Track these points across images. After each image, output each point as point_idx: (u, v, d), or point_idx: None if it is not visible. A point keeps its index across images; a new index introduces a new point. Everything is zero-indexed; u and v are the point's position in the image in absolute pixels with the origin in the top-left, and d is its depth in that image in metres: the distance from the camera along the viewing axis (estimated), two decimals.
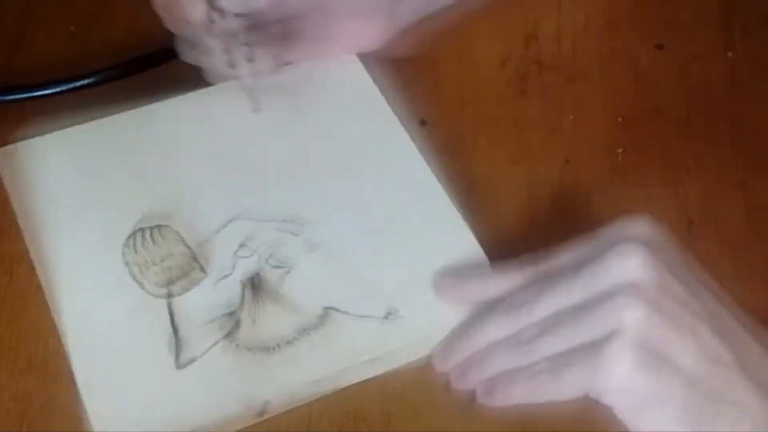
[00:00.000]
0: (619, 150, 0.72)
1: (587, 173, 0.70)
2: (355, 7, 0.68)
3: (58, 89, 0.73)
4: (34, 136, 0.68)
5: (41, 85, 0.73)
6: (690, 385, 0.53)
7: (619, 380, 0.53)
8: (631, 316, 0.54)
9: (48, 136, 0.68)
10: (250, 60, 0.64)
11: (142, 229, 0.64)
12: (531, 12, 0.79)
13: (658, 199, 0.69)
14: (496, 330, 0.58)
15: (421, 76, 0.74)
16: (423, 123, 0.72)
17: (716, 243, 0.67)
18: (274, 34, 0.67)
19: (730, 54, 0.77)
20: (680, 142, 0.72)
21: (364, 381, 0.61)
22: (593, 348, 0.54)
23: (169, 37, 0.71)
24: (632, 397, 0.53)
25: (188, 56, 0.68)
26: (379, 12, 0.70)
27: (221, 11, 0.62)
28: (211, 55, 0.65)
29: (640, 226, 0.57)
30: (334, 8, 0.68)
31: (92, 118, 0.70)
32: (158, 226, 0.64)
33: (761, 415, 0.53)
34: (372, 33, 0.70)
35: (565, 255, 0.58)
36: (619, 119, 0.73)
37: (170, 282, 0.63)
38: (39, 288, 0.66)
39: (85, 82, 0.73)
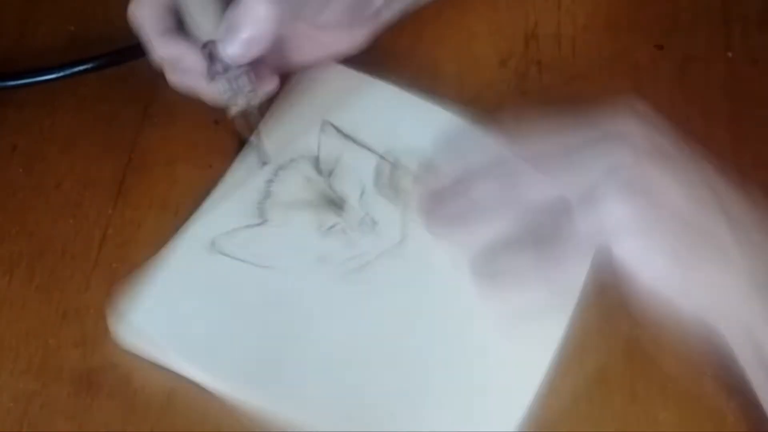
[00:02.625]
0: None
1: None
2: (343, 21, 0.69)
3: (59, 74, 0.73)
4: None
5: (42, 70, 0.74)
6: (679, 222, 0.56)
7: (612, 213, 0.56)
8: (620, 159, 0.57)
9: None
10: (251, 91, 0.66)
11: None
12: (531, 12, 0.79)
13: None
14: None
15: (420, 76, 0.74)
16: None
17: None
18: (268, 61, 0.68)
19: (729, 54, 0.76)
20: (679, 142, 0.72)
21: None
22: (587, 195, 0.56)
23: None
24: (628, 234, 0.55)
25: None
26: (365, 23, 0.70)
27: (223, 63, 0.64)
28: (214, 94, 0.66)
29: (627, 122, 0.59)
30: (322, 26, 0.69)
31: None
32: None
33: (742, 266, 0.56)
34: (356, 40, 0.71)
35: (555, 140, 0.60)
36: None
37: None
38: (39, 288, 0.66)
39: (84, 67, 0.74)
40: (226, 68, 0.64)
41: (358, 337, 0.62)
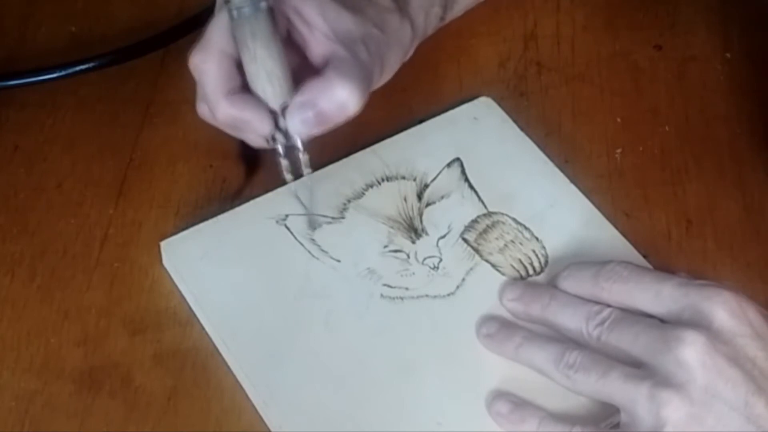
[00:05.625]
0: (618, 150, 0.72)
1: (586, 173, 0.70)
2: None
3: (60, 74, 0.74)
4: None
5: (43, 70, 0.74)
6: None
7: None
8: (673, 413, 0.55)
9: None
10: (308, 167, 0.65)
11: None
12: (530, 13, 0.79)
13: (657, 199, 0.70)
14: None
15: (420, 77, 0.74)
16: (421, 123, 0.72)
17: (714, 242, 0.68)
18: None
19: (728, 55, 0.77)
20: (678, 142, 0.72)
21: None
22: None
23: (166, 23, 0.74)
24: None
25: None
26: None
27: (285, 132, 0.63)
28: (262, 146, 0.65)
29: (718, 307, 0.57)
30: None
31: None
32: None
33: None
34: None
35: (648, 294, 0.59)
36: (618, 120, 0.73)
37: None
38: (40, 288, 0.66)
39: (85, 67, 0.74)
40: (287, 136, 0.63)
41: (360, 355, 0.62)
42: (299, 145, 0.63)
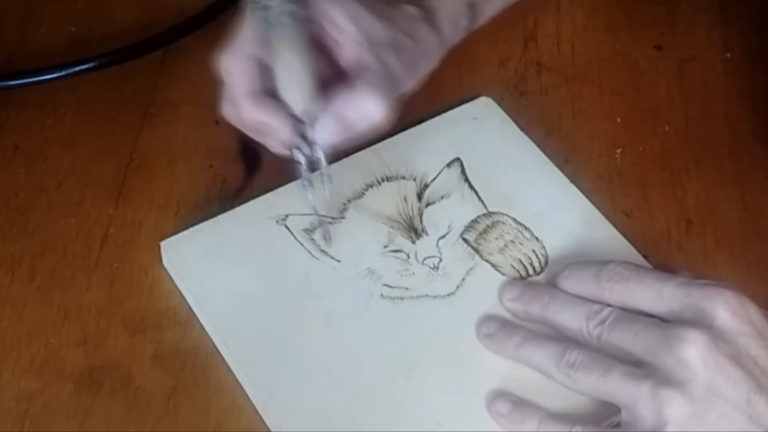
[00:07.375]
0: (618, 150, 0.72)
1: (586, 173, 0.70)
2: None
3: (60, 74, 0.74)
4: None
5: (43, 70, 0.74)
6: None
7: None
8: (675, 411, 0.55)
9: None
10: (325, 165, 0.64)
11: None
12: (530, 13, 0.79)
13: (657, 199, 0.70)
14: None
15: None
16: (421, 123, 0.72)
17: (714, 242, 0.68)
18: None
19: (728, 55, 0.77)
20: (678, 142, 0.73)
21: None
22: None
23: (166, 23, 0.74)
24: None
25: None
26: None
27: (309, 140, 0.63)
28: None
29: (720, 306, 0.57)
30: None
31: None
32: None
33: None
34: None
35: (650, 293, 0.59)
36: (618, 120, 0.74)
37: None
38: (40, 288, 0.66)
39: (85, 67, 0.74)
40: (310, 144, 0.63)
41: (360, 355, 0.62)
42: (322, 157, 0.63)
